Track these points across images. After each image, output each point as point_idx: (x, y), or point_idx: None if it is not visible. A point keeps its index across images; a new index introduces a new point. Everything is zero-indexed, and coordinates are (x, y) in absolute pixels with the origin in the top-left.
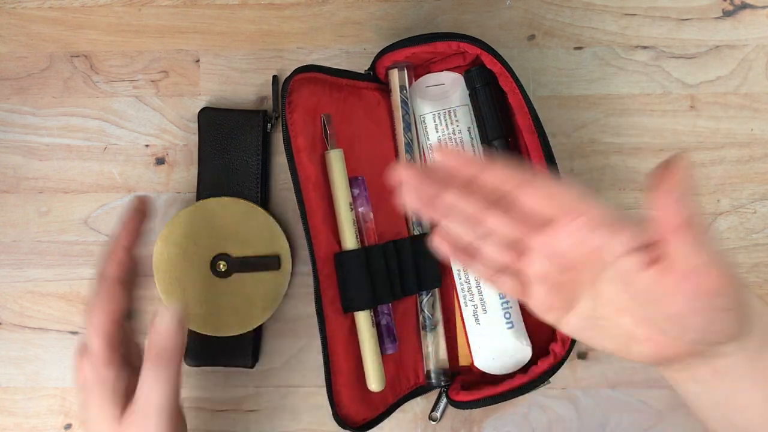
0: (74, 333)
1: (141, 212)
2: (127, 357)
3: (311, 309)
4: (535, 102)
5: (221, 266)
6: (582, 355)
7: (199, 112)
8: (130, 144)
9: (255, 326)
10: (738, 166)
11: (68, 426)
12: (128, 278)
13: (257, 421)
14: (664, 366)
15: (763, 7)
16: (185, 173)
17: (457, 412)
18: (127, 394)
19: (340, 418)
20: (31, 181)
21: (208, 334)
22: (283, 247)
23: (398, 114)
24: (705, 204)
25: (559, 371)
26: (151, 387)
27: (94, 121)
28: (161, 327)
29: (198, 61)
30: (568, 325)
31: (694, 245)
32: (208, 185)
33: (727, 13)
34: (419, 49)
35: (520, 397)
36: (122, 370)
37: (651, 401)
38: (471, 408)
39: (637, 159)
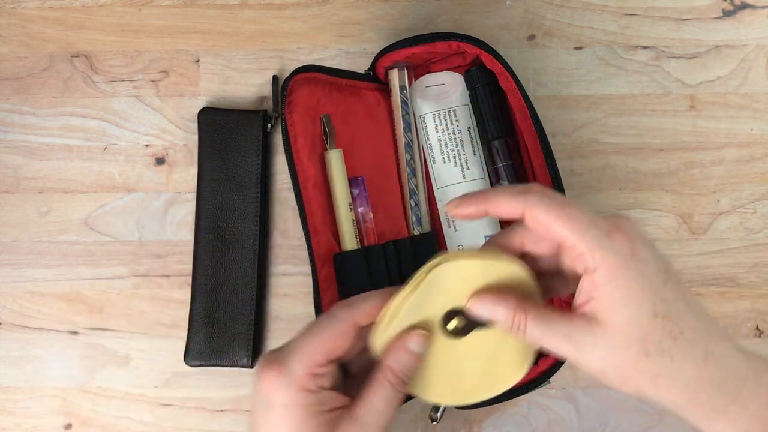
0: (74, 333)
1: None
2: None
3: (311, 309)
4: (535, 102)
5: (456, 323)
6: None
7: (199, 113)
8: (130, 144)
9: (507, 388)
10: (738, 166)
11: (68, 426)
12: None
13: None
14: None
15: (763, 7)
16: (185, 173)
17: (457, 412)
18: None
19: None
20: (31, 181)
21: (452, 404)
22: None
23: (398, 114)
24: (705, 204)
25: (559, 371)
26: (379, 407)
27: (94, 121)
28: (411, 349)
29: (198, 61)
30: None
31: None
32: (208, 185)
33: (727, 13)
34: (419, 49)
35: (520, 397)
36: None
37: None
38: (471, 408)
39: (637, 159)
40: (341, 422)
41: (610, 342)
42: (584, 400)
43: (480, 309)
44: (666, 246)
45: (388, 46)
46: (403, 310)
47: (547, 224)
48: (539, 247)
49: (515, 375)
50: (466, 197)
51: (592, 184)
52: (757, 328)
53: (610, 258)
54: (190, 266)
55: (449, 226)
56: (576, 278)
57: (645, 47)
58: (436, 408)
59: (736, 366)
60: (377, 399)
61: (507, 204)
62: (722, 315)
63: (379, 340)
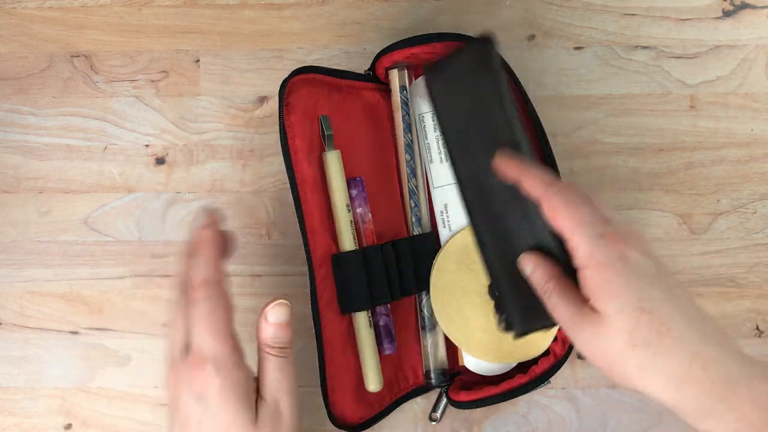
0: (74, 333)
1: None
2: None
3: (311, 309)
4: (535, 102)
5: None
6: (582, 355)
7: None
8: (130, 144)
9: (540, 353)
10: (738, 166)
11: (68, 426)
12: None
13: None
14: None
15: (763, 7)
16: (185, 173)
17: (457, 412)
18: (254, 392)
19: (335, 418)
20: (31, 181)
21: (493, 362)
22: None
23: (398, 115)
24: (705, 204)
25: (559, 371)
26: (281, 380)
27: (94, 121)
28: (279, 321)
29: (198, 61)
30: None
31: (549, 309)
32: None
33: (727, 13)
34: (419, 50)
35: (520, 397)
36: (248, 371)
37: (651, 401)
38: (471, 408)
39: (637, 159)
40: (259, 405)
41: (602, 331)
42: (584, 400)
43: (525, 264)
44: (666, 246)
45: (388, 47)
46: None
47: (554, 215)
48: None
49: (543, 344)
50: (514, 160)
51: (592, 184)
52: (757, 328)
53: (597, 256)
54: None
55: (443, 227)
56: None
57: (645, 47)
58: (435, 408)
59: (727, 369)
60: (266, 371)
61: (535, 183)
62: (722, 315)
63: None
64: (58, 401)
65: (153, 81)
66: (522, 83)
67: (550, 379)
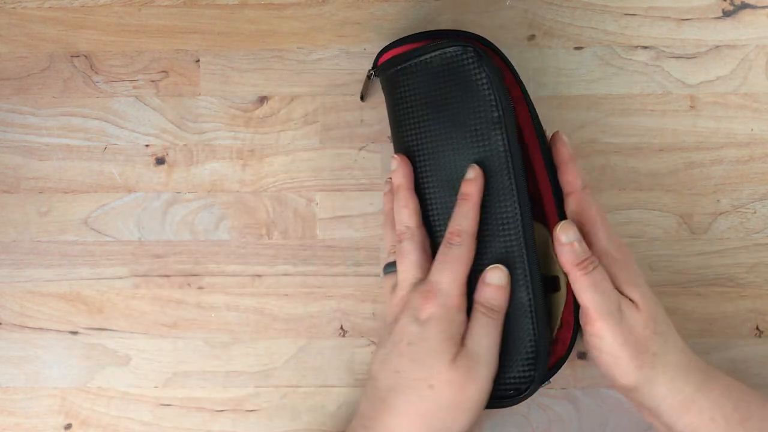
0: (74, 333)
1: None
2: None
3: (311, 309)
4: (536, 102)
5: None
6: (582, 355)
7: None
8: (130, 144)
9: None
10: (738, 166)
11: (68, 426)
12: None
13: (257, 421)
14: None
15: (763, 7)
16: (185, 173)
17: None
18: (461, 339)
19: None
20: (31, 181)
21: None
22: (558, 268)
23: None
24: (705, 204)
25: (559, 371)
26: (483, 336)
27: (94, 121)
28: (494, 282)
29: (198, 61)
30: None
31: (578, 288)
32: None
33: (727, 13)
34: (421, 45)
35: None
36: (465, 319)
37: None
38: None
39: (637, 159)
40: (460, 349)
41: (637, 316)
42: (584, 400)
43: (567, 230)
44: (666, 246)
45: (389, 44)
46: None
47: (577, 212)
48: None
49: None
50: (568, 148)
51: (592, 184)
52: (757, 328)
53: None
54: (190, 266)
55: None
56: None
57: (645, 47)
58: None
59: (700, 363)
60: (474, 326)
61: (570, 178)
62: (722, 315)
63: None
64: (58, 401)
65: (153, 81)
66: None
67: (550, 379)
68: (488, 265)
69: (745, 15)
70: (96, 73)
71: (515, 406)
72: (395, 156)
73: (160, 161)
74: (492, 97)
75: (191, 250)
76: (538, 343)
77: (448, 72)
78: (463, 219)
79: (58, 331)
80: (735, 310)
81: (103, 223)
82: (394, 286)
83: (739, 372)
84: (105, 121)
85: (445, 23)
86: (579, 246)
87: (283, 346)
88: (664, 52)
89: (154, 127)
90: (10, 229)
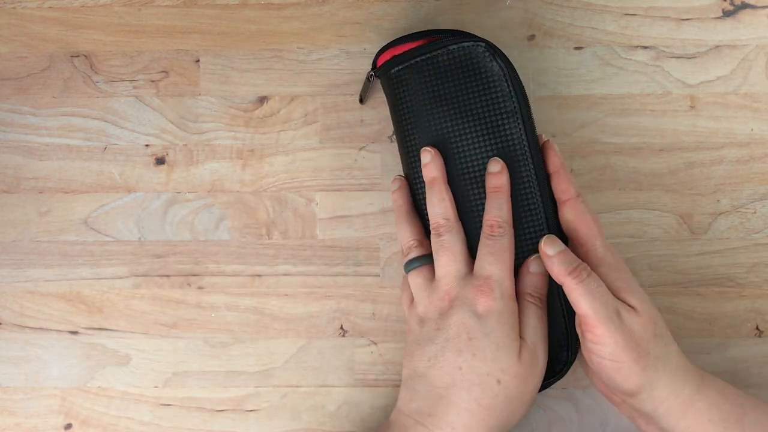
0: (74, 333)
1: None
2: None
3: (311, 309)
4: (535, 102)
5: None
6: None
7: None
8: (130, 144)
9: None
10: (738, 166)
11: (68, 426)
12: None
13: (257, 421)
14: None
15: (763, 7)
16: (185, 173)
17: None
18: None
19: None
20: (31, 181)
21: None
22: None
23: None
24: (705, 204)
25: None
26: (538, 326)
27: (94, 121)
28: (541, 271)
29: (198, 61)
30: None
31: (575, 297)
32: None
33: (727, 13)
34: (420, 44)
35: None
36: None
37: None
38: None
39: (637, 159)
40: (520, 344)
41: (638, 320)
42: (584, 400)
43: (550, 244)
44: (666, 246)
45: (388, 44)
46: None
47: (573, 220)
48: None
49: None
50: (559, 156)
51: (592, 184)
52: (757, 328)
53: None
54: (190, 266)
55: None
56: None
57: (645, 47)
58: None
59: (694, 367)
60: (527, 317)
61: (564, 186)
62: (722, 315)
63: None
64: (58, 401)
65: (153, 81)
66: (522, 83)
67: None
68: (517, 254)
69: (745, 15)
70: (96, 73)
71: None
72: (428, 149)
73: (160, 161)
74: (509, 88)
75: (191, 250)
76: (569, 326)
77: (459, 67)
78: (498, 210)
79: (58, 331)
80: (735, 310)
81: (103, 223)
82: (425, 282)
83: (739, 372)
84: (105, 121)
85: (445, 23)
86: (567, 255)
87: (283, 346)
88: (664, 52)
89: (154, 127)
90: (10, 229)
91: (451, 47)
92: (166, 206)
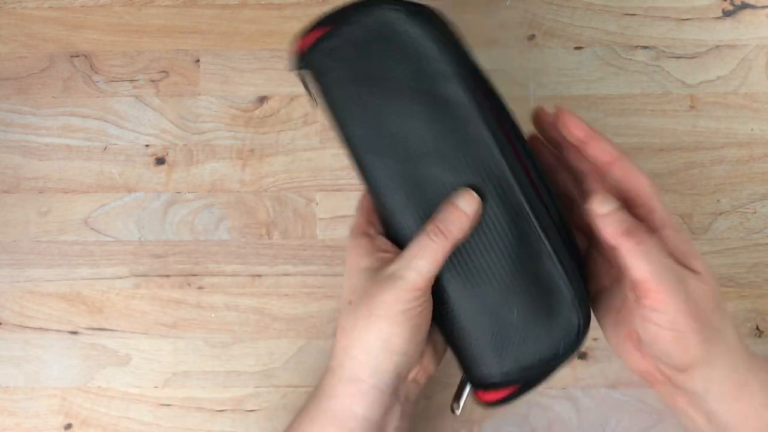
0: (74, 333)
1: None
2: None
3: (311, 309)
4: (535, 102)
5: None
6: (582, 355)
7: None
8: (130, 144)
9: None
10: (738, 166)
11: (68, 426)
12: None
13: (257, 421)
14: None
15: (763, 7)
16: (185, 173)
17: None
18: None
19: None
20: (31, 181)
21: None
22: None
23: None
24: (705, 204)
25: (560, 372)
26: (417, 252)
27: (94, 121)
28: (458, 205)
29: (198, 61)
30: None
31: (632, 259)
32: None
33: (727, 13)
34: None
35: (520, 397)
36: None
37: (651, 401)
38: (501, 405)
39: (637, 159)
40: (390, 260)
41: (702, 287)
42: (584, 400)
43: (605, 201)
44: None
45: (303, 31)
46: None
47: (623, 181)
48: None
49: None
50: (582, 120)
51: None
52: (757, 328)
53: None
54: (190, 266)
55: None
56: None
57: (645, 47)
58: (457, 397)
59: (747, 349)
60: (414, 245)
61: (606, 145)
62: None
63: None
64: (58, 401)
65: (153, 81)
66: (522, 83)
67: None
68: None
69: (745, 15)
70: (96, 73)
71: (515, 407)
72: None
73: (160, 161)
74: (438, 50)
75: (191, 250)
76: (573, 286)
77: (379, 40)
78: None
79: (58, 331)
80: (735, 310)
81: (103, 223)
82: None
83: None
84: (105, 121)
85: None
86: (623, 214)
87: (283, 346)
88: (664, 52)
89: (154, 127)
90: (10, 229)
91: (364, 21)
92: (166, 206)
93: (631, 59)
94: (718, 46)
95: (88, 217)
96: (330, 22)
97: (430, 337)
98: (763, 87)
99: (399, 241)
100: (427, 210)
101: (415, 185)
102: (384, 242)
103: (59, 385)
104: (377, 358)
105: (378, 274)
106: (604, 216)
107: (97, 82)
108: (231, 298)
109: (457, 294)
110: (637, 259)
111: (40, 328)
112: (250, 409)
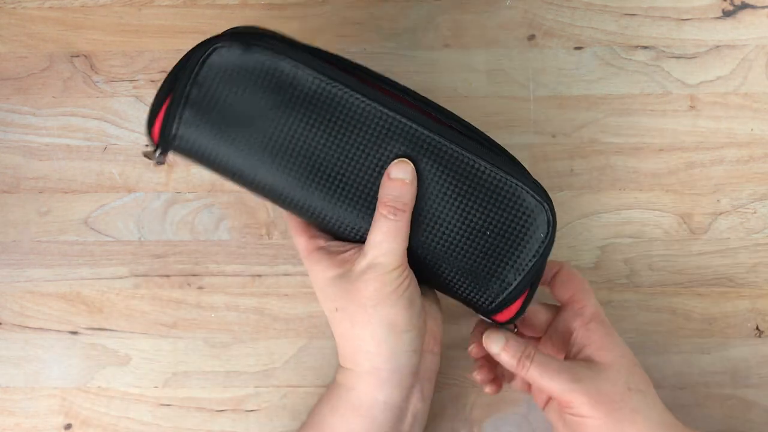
0: (74, 333)
1: None
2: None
3: (311, 309)
4: (535, 102)
5: None
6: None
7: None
8: (130, 144)
9: None
10: (738, 166)
11: (68, 426)
12: None
13: (257, 421)
14: None
15: (763, 7)
16: (185, 173)
17: (456, 411)
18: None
19: None
20: (31, 181)
21: None
22: None
23: None
24: (705, 204)
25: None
26: (382, 242)
27: (94, 121)
28: (400, 177)
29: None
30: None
31: (531, 378)
32: None
33: (727, 13)
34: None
35: (520, 397)
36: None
37: None
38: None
39: (637, 159)
40: (354, 256)
41: (605, 375)
42: None
43: (495, 341)
44: (666, 246)
45: (150, 110)
46: None
47: (571, 280)
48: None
49: None
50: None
51: (592, 184)
52: (757, 328)
53: (601, 314)
54: (190, 266)
55: None
56: (567, 335)
57: (645, 47)
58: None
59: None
60: (376, 231)
61: (550, 267)
62: (722, 315)
63: None
64: (58, 401)
65: (153, 81)
66: (522, 83)
67: None
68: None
69: (745, 15)
70: (96, 73)
71: (514, 407)
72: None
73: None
74: (274, 60)
75: (191, 250)
76: (523, 180)
77: (223, 82)
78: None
79: (58, 331)
80: (735, 310)
81: (103, 223)
82: None
83: (739, 372)
84: (105, 121)
85: (445, 23)
86: (510, 348)
87: (283, 346)
88: (664, 52)
89: None
90: (10, 229)
91: (199, 75)
92: (166, 206)
93: (631, 59)
94: (718, 46)
95: (88, 217)
96: (166, 92)
97: (423, 301)
98: (763, 87)
99: (349, 236)
100: (355, 196)
101: (331, 182)
102: (337, 244)
103: (59, 385)
104: (389, 343)
105: (351, 272)
106: (498, 355)
107: (97, 82)
108: (231, 298)
109: (429, 249)
110: (534, 378)
111: (40, 328)
112: (250, 409)
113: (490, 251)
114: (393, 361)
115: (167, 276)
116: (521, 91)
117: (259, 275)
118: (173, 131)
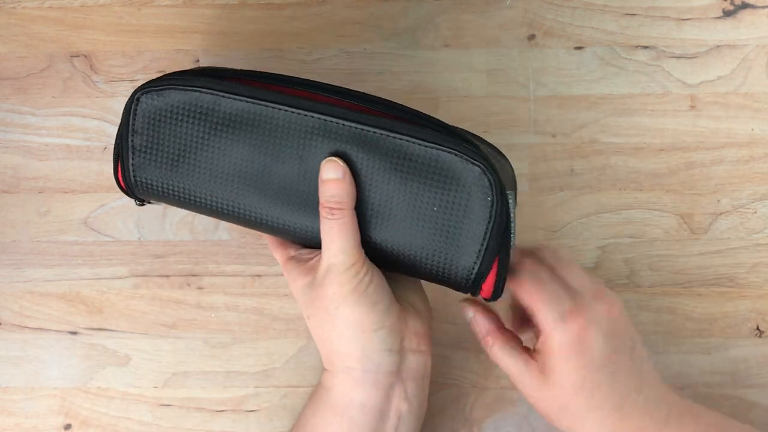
0: (74, 333)
1: None
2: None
3: None
4: (535, 102)
5: None
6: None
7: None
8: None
9: None
10: (738, 166)
11: (68, 426)
12: None
13: (257, 421)
14: None
15: (763, 7)
16: None
17: (456, 411)
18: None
19: None
20: (30, 181)
21: None
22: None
23: None
24: (705, 204)
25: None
26: (328, 243)
27: (94, 121)
28: (330, 177)
29: (198, 61)
30: None
31: (495, 357)
32: None
33: (727, 13)
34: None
35: (520, 397)
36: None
37: None
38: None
39: (637, 159)
40: (319, 263)
41: (547, 388)
42: None
43: (467, 310)
44: (666, 246)
45: (114, 163)
46: None
47: (520, 292)
48: None
49: None
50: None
51: (592, 184)
52: (758, 328)
53: (559, 335)
54: (190, 266)
55: None
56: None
57: (645, 47)
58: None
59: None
60: (324, 234)
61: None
62: (722, 315)
63: None
64: (58, 401)
65: None
66: (522, 83)
67: None
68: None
69: (745, 15)
70: (96, 73)
71: (514, 407)
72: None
73: None
74: (196, 95)
75: (191, 250)
76: (452, 148)
77: (156, 124)
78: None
79: (58, 331)
80: (735, 310)
81: (103, 223)
82: None
83: (739, 372)
84: (105, 121)
85: (445, 23)
86: (476, 325)
87: (283, 346)
88: (665, 51)
89: None
90: (10, 229)
91: (133, 126)
92: (166, 206)
93: (631, 59)
94: (718, 46)
95: (88, 217)
96: (117, 145)
97: (404, 299)
98: (763, 87)
99: (313, 243)
100: (305, 202)
101: (280, 193)
102: (306, 252)
103: (59, 385)
104: (359, 342)
105: (315, 279)
106: (471, 320)
107: (97, 82)
108: (231, 298)
109: (387, 238)
110: (494, 359)
111: (40, 328)
112: (250, 409)
113: (445, 225)
114: (365, 361)
115: (167, 276)
116: (521, 90)
117: (259, 275)
118: (131, 179)
